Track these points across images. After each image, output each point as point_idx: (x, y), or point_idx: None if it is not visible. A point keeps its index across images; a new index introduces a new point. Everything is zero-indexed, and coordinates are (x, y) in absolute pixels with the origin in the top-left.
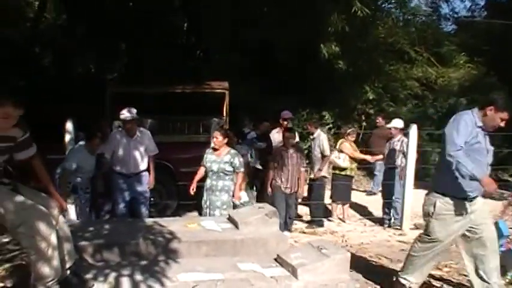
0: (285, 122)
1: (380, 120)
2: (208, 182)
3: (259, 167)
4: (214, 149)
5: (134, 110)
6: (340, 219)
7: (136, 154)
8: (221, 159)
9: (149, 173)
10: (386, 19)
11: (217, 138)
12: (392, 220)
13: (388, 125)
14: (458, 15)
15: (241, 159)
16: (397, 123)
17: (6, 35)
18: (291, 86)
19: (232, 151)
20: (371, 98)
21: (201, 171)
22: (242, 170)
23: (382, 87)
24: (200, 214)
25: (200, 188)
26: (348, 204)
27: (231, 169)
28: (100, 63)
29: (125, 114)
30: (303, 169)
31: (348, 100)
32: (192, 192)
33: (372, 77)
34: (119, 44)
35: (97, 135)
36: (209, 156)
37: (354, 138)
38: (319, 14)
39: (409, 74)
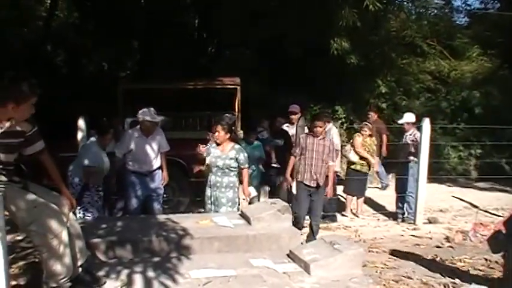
0: (293, 116)
1: (372, 115)
2: (212, 177)
3: (277, 165)
4: (218, 144)
5: (153, 110)
6: (353, 214)
7: (151, 152)
8: (226, 155)
9: (162, 170)
10: (398, 12)
11: (219, 133)
12: (406, 215)
13: (400, 120)
14: (471, 7)
15: (246, 155)
16: (409, 117)
17: (19, 33)
18: (303, 81)
19: (237, 146)
20: (383, 91)
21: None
22: (247, 165)
23: (395, 81)
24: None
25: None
26: (362, 199)
27: (236, 165)
28: (112, 61)
29: (148, 116)
30: (332, 163)
31: (360, 94)
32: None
33: (384, 70)
34: (131, 42)
35: (109, 131)
36: (213, 151)
37: (367, 133)
38: (330, 8)
39: (422, 67)
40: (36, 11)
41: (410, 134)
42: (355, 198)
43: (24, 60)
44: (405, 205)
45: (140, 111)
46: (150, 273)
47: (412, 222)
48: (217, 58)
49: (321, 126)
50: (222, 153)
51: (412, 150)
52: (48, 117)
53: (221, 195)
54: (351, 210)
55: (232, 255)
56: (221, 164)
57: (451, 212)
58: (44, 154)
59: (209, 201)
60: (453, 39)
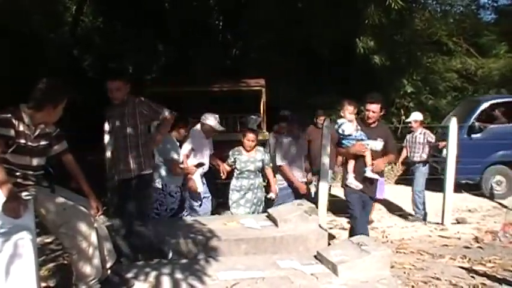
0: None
1: (321, 120)
2: (245, 181)
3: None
4: (248, 150)
5: (217, 117)
6: None
7: (207, 154)
8: (254, 158)
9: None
10: (423, 11)
11: (253, 142)
12: (415, 214)
13: (408, 119)
14: (497, 3)
15: (268, 155)
16: (417, 116)
17: (49, 39)
18: (328, 81)
19: (260, 148)
20: (409, 91)
21: (227, 167)
22: (271, 164)
23: (421, 79)
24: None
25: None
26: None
27: (262, 166)
28: (138, 64)
29: (212, 122)
30: None
31: (386, 94)
32: (223, 176)
33: (410, 69)
34: (156, 45)
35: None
36: (240, 157)
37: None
38: (356, 7)
39: (448, 65)
40: (63, 16)
41: (420, 133)
42: None
43: (54, 64)
44: (418, 204)
45: (205, 114)
46: (178, 275)
47: (423, 222)
48: (242, 60)
49: None
50: (250, 156)
51: (422, 153)
52: (77, 121)
53: (253, 197)
54: None
55: (260, 257)
56: (253, 167)
57: (479, 212)
58: (67, 154)
59: (248, 205)
60: (480, 36)
